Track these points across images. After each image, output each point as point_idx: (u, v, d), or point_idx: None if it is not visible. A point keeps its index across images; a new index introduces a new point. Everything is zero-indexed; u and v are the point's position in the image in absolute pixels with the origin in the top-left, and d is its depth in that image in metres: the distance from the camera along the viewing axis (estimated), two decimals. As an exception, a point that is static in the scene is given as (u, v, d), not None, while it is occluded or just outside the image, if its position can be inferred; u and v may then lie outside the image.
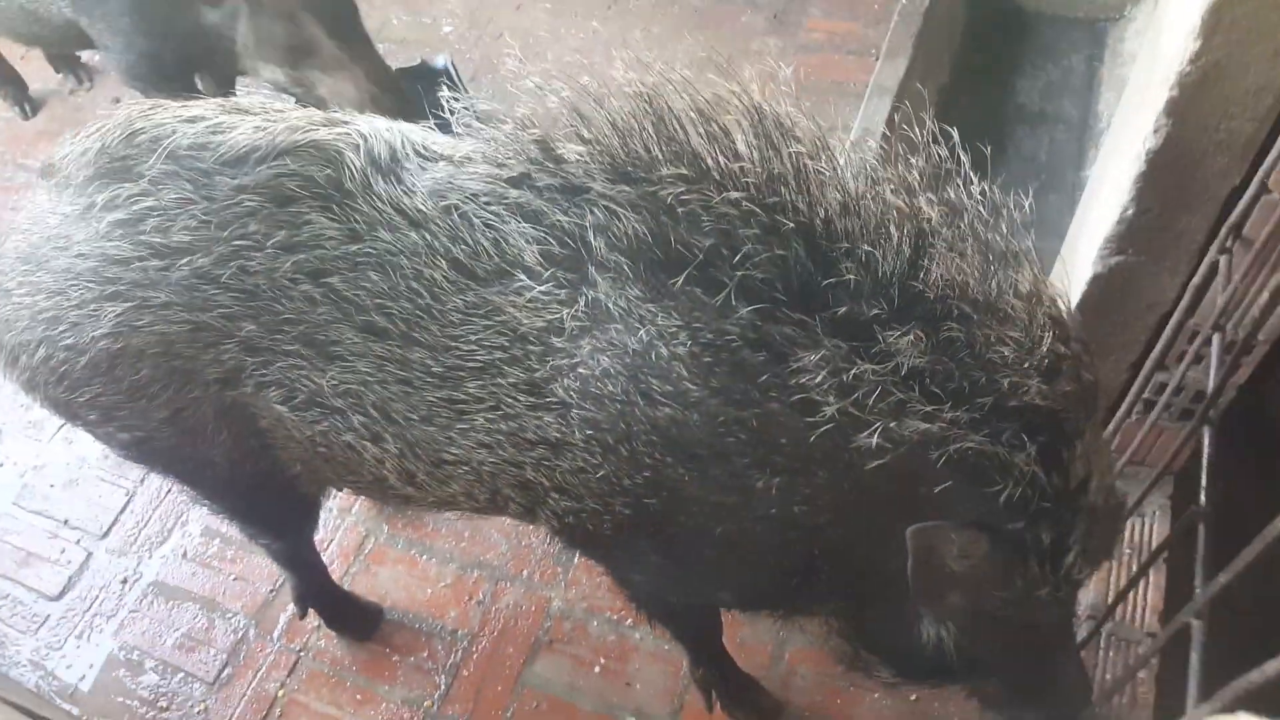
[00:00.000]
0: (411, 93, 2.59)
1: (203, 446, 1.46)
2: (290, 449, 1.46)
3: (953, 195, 1.13)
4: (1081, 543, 1.10)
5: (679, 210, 1.12)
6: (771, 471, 1.14)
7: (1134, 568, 1.76)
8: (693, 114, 1.14)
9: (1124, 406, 1.75)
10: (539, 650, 2.08)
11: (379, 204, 1.25)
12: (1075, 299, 1.67)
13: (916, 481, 1.08)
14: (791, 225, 1.09)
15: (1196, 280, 1.45)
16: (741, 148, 1.12)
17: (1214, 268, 1.40)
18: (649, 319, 1.13)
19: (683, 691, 1.99)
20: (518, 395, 1.23)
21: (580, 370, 1.18)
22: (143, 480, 2.41)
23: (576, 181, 1.18)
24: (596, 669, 2.04)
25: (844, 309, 1.07)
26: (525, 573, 2.18)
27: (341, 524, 2.31)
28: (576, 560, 2.17)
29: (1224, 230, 1.36)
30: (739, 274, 1.08)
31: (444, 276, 1.22)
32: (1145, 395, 1.71)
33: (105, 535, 2.36)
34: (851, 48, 3.01)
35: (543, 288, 1.18)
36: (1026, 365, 1.05)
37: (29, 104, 3.30)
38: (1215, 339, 1.33)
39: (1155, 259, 1.50)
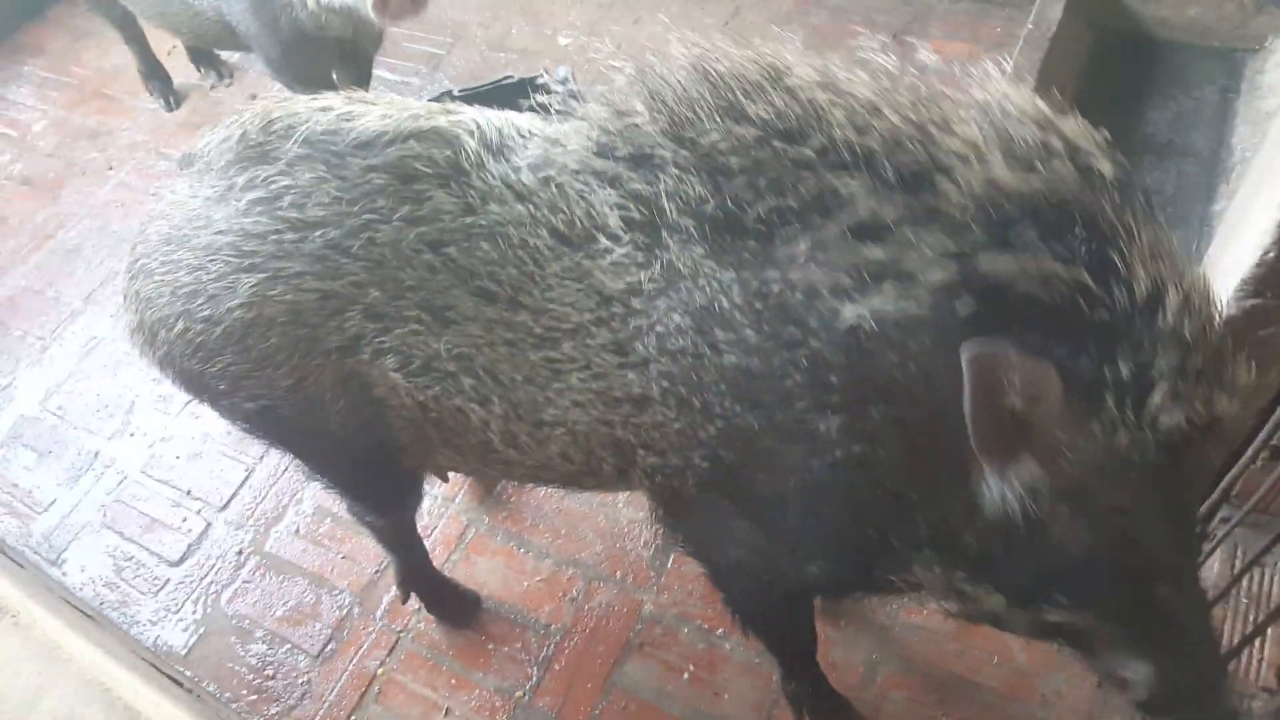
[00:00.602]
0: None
1: (320, 415, 1.55)
2: (401, 417, 1.54)
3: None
4: (1169, 377, 0.96)
5: (733, 167, 1.19)
6: (830, 411, 1.17)
7: (1254, 620, 1.71)
8: (738, 76, 1.22)
9: (1249, 452, 1.70)
10: (629, 652, 2.11)
11: (491, 180, 1.37)
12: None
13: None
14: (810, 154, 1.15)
15: (1337, 327, 1.41)
16: (778, 103, 1.19)
17: (1358, 315, 1.36)
18: (711, 274, 1.22)
19: (771, 706, 2.00)
20: (605, 355, 1.32)
21: (657, 328, 1.27)
22: (261, 458, 2.53)
23: (649, 150, 1.27)
24: (685, 676, 2.07)
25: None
26: (619, 574, 2.23)
27: (445, 513, 2.39)
28: (670, 565, 2.21)
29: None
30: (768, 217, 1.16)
31: (545, 244, 1.33)
32: (1273, 442, 1.66)
33: (224, 508, 2.49)
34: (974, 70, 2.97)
35: (623, 250, 1.28)
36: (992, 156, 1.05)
37: (173, 97, 3.50)
38: (1359, 389, 1.29)
39: (1292, 302, 1.46)
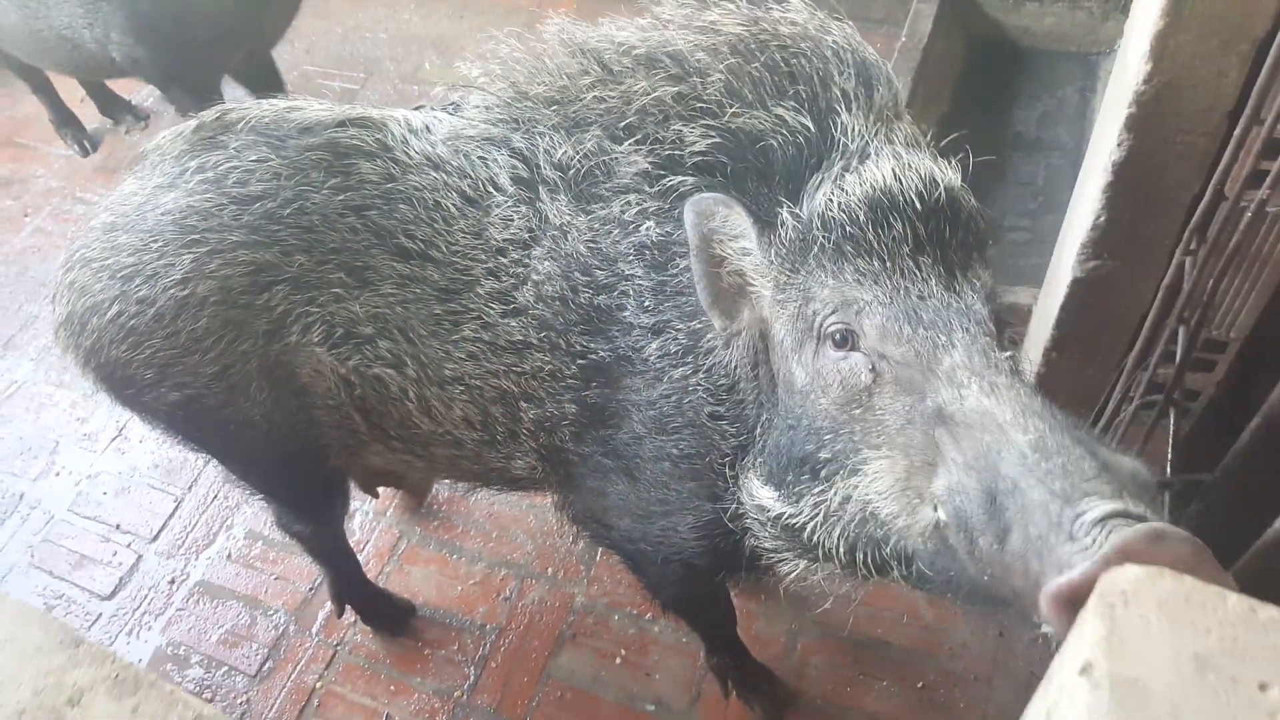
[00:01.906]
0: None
1: (245, 405, 1.62)
2: (327, 405, 1.63)
3: None
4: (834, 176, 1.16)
5: (592, 124, 1.36)
6: (652, 334, 1.35)
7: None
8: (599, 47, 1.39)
9: (1111, 405, 1.88)
10: (563, 644, 2.20)
11: (412, 154, 1.52)
12: (1059, 303, 1.80)
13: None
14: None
15: (1167, 281, 1.58)
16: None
17: (1182, 269, 1.54)
18: (571, 221, 1.39)
19: (699, 681, 2.10)
20: (493, 304, 1.46)
21: (534, 275, 1.43)
22: (190, 487, 2.57)
23: (530, 115, 1.44)
24: (618, 661, 2.16)
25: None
26: (550, 570, 2.31)
27: (377, 526, 2.45)
28: (599, 557, 2.30)
29: (1186, 234, 1.49)
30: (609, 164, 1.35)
31: (454, 204, 1.48)
32: (1131, 394, 1.83)
33: (155, 539, 2.51)
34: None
35: (509, 203, 1.45)
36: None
37: (88, 142, 3.52)
38: (1181, 331, 1.46)
39: (1128, 263, 1.63)
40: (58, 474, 2.67)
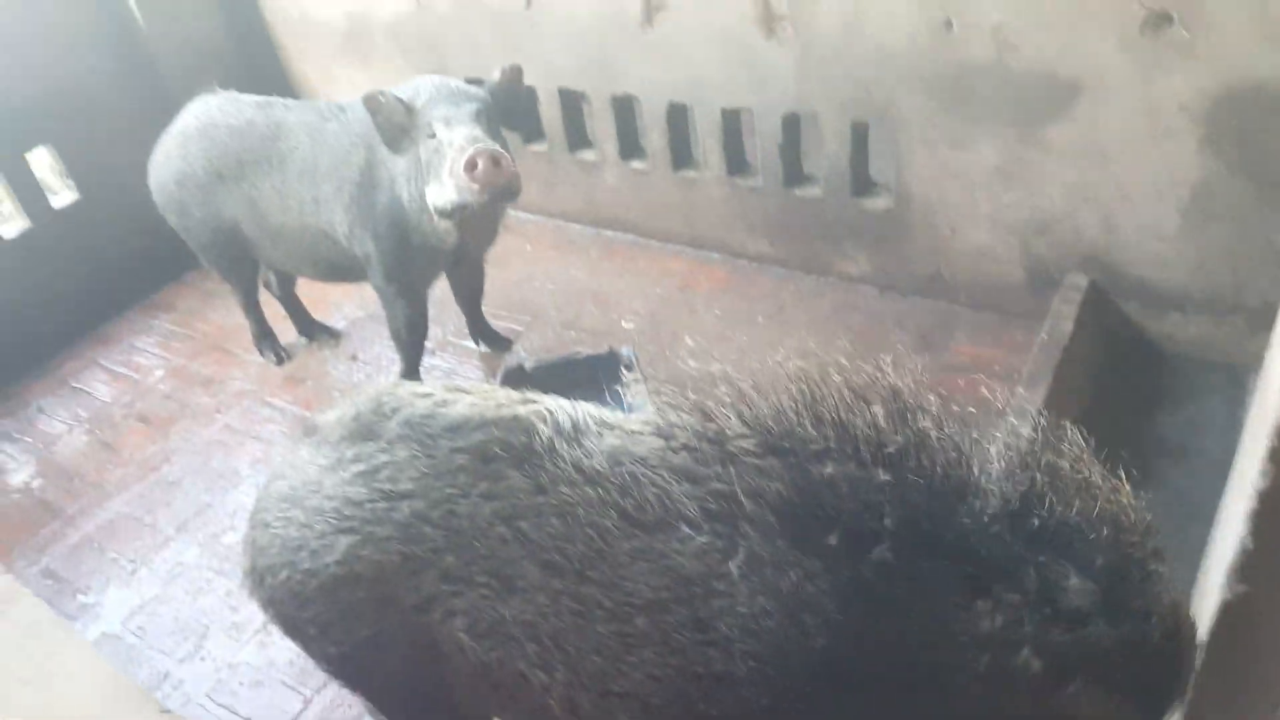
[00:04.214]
0: (600, 377, 3.07)
1: (391, 662, 1.72)
2: (463, 674, 1.68)
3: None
4: None
5: (822, 478, 1.38)
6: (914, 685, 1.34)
7: None
8: (839, 395, 1.43)
9: (1261, 737, 1.78)
10: None
11: (562, 464, 1.55)
12: (1207, 627, 1.77)
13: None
14: (921, 482, 1.36)
15: (1319, 615, 1.55)
16: (881, 422, 1.40)
17: (1334, 605, 1.51)
18: (796, 563, 1.37)
19: None
20: (684, 631, 1.44)
21: (739, 608, 1.40)
22: (320, 689, 2.66)
23: (733, 450, 1.46)
24: None
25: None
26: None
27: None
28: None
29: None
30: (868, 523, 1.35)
31: (613, 524, 1.48)
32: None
33: (279, 736, 2.59)
34: (994, 371, 3.29)
35: (704, 539, 1.43)
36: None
37: (282, 354, 3.95)
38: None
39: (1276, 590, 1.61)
40: (203, 658, 2.82)
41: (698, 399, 1.54)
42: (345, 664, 1.80)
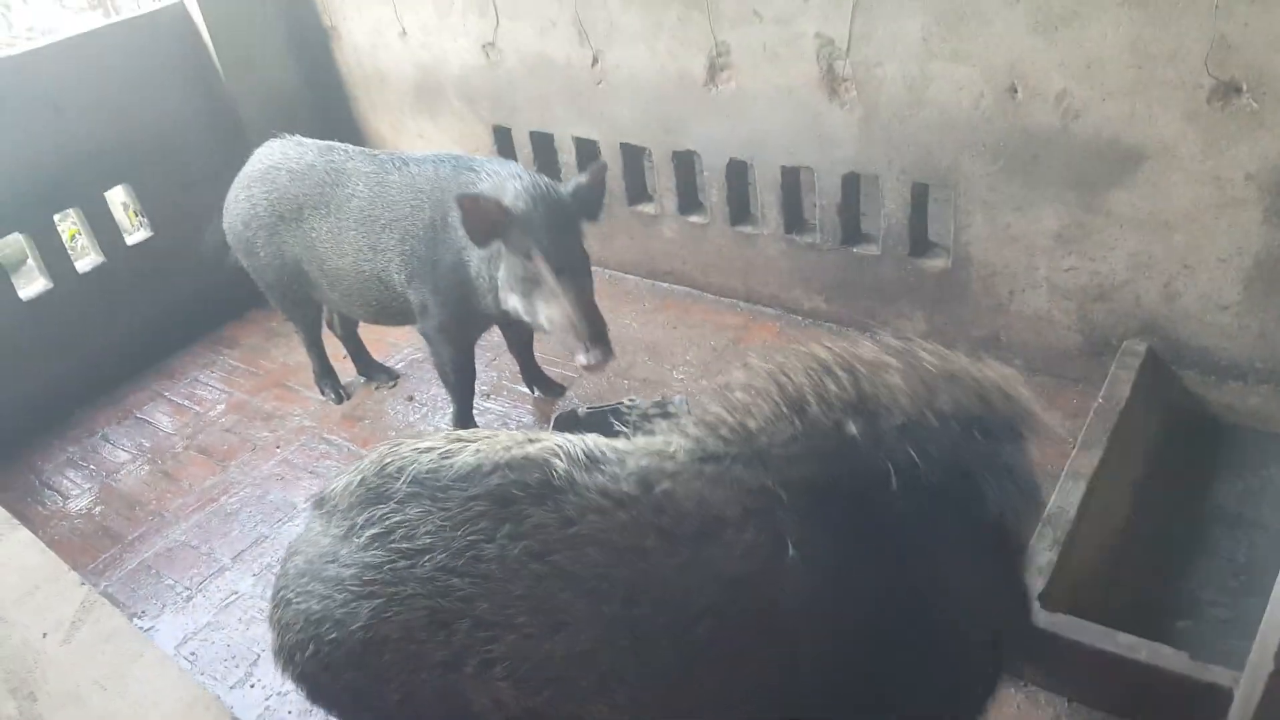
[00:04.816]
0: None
1: None
2: None
3: None
4: None
5: (840, 448, 1.50)
6: None
7: None
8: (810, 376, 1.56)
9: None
10: None
11: (587, 494, 1.57)
12: (1258, 697, 1.74)
13: None
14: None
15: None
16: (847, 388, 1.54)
17: None
18: (844, 532, 1.50)
19: None
20: (746, 631, 1.49)
21: (799, 594, 1.50)
22: None
23: (759, 448, 1.54)
24: None
25: None
26: None
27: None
28: None
29: None
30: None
31: (653, 544, 1.53)
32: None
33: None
34: (1049, 435, 3.27)
35: (749, 536, 1.51)
36: None
37: (342, 392, 4.04)
38: None
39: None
40: (252, 686, 2.85)
41: (714, 412, 1.64)
42: None
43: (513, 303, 3.03)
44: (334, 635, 1.64)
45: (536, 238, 2.87)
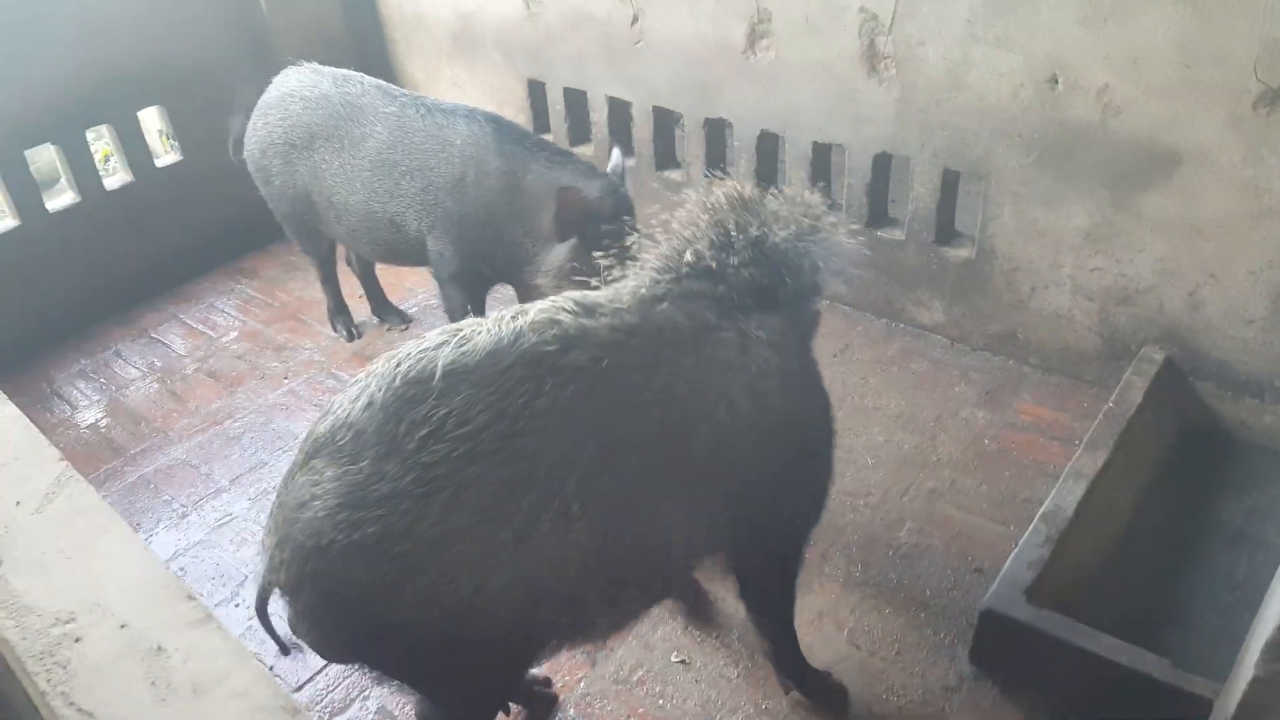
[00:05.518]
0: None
1: (486, 623, 1.67)
2: (569, 579, 1.73)
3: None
4: None
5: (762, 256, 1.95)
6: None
7: None
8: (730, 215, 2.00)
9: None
10: None
11: (601, 334, 1.75)
12: (1236, 701, 1.71)
13: None
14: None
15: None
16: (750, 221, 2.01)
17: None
18: (773, 323, 1.94)
19: None
20: (743, 401, 1.88)
21: (766, 366, 1.89)
22: None
23: (707, 266, 1.93)
24: None
25: None
26: None
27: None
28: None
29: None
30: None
31: (669, 356, 1.81)
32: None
33: (299, 689, 2.62)
34: (1056, 434, 3.23)
35: (727, 333, 1.86)
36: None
37: (355, 329, 4.06)
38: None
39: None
40: (236, 605, 2.88)
41: (672, 245, 1.99)
42: (433, 643, 1.69)
43: (542, 282, 3.01)
44: (401, 547, 1.58)
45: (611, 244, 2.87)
